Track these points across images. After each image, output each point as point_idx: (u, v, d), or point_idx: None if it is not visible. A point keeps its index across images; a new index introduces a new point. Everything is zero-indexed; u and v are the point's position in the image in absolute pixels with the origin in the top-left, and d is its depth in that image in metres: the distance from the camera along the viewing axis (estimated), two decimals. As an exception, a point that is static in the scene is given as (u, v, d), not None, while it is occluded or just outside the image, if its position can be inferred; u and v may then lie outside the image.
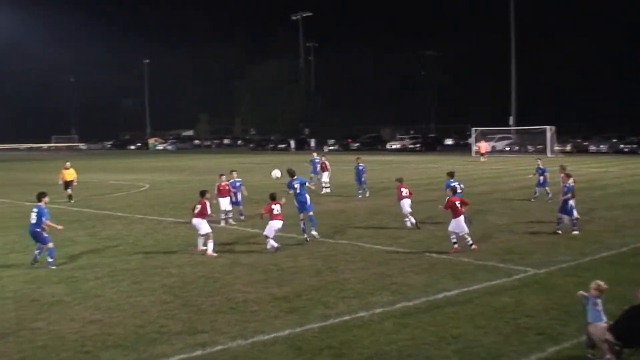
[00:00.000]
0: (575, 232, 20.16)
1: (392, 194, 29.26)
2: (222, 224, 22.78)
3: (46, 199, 17.64)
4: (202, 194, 18.77)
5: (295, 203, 20.49)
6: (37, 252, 16.87)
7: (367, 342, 10.84)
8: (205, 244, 17.96)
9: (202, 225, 18.02)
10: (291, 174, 20.99)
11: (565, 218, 20.53)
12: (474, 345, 10.68)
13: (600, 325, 9.83)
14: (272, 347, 10.73)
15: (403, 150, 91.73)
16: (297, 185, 20.40)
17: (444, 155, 79.85)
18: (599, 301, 10.02)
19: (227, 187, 23.60)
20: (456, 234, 17.87)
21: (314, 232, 20.10)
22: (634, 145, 74.74)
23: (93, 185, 41.44)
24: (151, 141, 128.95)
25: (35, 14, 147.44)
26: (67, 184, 31.93)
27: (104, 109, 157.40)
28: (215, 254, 17.64)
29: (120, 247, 19.36)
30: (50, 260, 16.67)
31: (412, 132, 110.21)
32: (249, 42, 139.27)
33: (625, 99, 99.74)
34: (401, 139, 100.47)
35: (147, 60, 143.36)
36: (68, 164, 32.79)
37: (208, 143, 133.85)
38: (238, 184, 24.41)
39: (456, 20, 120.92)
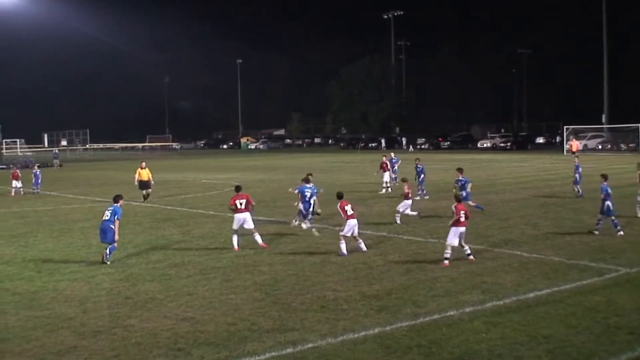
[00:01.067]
0: (620, 234, 19.60)
1: (477, 193, 29.02)
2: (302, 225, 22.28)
3: (121, 202, 18.60)
4: (238, 188, 19.45)
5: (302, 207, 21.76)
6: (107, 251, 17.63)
7: (457, 341, 10.82)
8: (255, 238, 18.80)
9: (250, 220, 18.85)
10: (307, 180, 22.09)
11: (604, 218, 20.06)
12: (565, 345, 10.54)
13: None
14: (362, 345, 10.81)
15: (493, 148, 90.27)
16: (307, 193, 21.57)
17: (535, 154, 78.17)
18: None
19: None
20: (452, 246, 16.59)
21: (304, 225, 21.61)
22: None
23: (186, 184, 42.49)
24: (243, 140, 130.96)
25: (129, 16, 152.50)
26: (142, 184, 32.16)
27: (197, 108, 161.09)
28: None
29: (212, 246, 19.80)
30: (109, 255, 17.45)
31: (502, 130, 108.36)
32: (340, 41, 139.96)
33: None
34: (492, 138, 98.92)
35: (240, 61, 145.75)
36: (143, 163, 32.94)
37: (299, 142, 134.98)
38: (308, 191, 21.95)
39: (548, 16, 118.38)
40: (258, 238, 18.84)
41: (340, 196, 18.39)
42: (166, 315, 12.71)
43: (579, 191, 29.29)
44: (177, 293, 14.30)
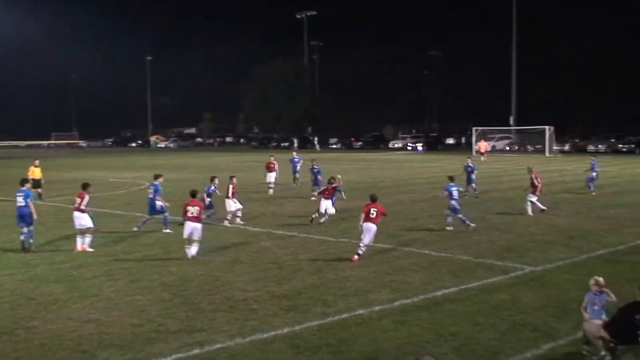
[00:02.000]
0: (472, 225, 20.93)
1: (388, 193, 29.38)
2: (226, 223, 22.74)
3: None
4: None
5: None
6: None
7: (366, 340, 10.86)
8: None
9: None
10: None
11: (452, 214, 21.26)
12: (471, 342, 10.73)
13: (595, 322, 9.90)
14: (271, 345, 10.74)
15: (405, 149, 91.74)
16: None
17: (445, 154, 79.91)
18: (597, 299, 10.10)
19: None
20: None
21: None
22: (632, 145, 75.43)
23: (93, 182, 41.09)
24: (153, 139, 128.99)
25: (37, 13, 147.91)
26: (36, 183, 30.94)
27: (105, 106, 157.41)
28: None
29: (119, 246, 19.33)
30: (32, 241, 18.55)
31: (414, 130, 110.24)
32: (253, 41, 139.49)
33: (624, 99, 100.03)
34: (403, 138, 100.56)
35: (150, 58, 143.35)
36: (37, 162, 32.64)
37: (210, 141, 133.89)
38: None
39: (459, 20, 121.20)
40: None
41: (193, 194, 18.20)
42: (70, 316, 12.37)
43: (474, 191, 30.14)
44: (81, 294, 13.89)
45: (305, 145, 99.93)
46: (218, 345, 10.68)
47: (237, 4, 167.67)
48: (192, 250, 17.22)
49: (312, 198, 29.57)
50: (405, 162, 60.79)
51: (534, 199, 24.62)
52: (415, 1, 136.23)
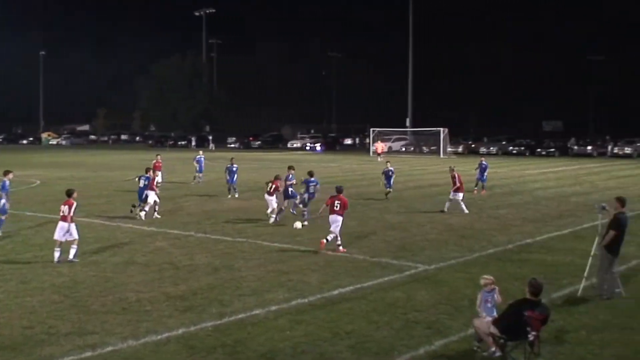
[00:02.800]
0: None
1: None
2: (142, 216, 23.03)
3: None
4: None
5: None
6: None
7: (262, 340, 10.85)
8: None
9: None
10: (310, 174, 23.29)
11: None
12: (367, 340, 10.89)
13: (485, 319, 10.20)
14: (165, 346, 10.59)
15: (304, 149, 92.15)
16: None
17: (343, 154, 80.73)
18: (489, 297, 10.42)
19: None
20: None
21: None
22: (522, 148, 78.45)
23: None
24: (44, 136, 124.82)
25: None
26: None
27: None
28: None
29: (9, 246, 18.63)
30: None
31: (312, 131, 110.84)
32: (152, 37, 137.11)
33: (518, 102, 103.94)
34: (302, 138, 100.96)
35: (43, 52, 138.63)
36: None
37: (105, 139, 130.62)
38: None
39: (359, 21, 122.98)
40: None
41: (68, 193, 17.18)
42: (-46, 319, 11.83)
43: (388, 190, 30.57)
44: (-33, 297, 13.30)
45: (202, 144, 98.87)
46: (110, 348, 10.46)
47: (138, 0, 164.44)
48: (72, 251, 16.49)
49: (229, 196, 29.98)
50: (304, 162, 60.95)
51: (460, 197, 25.45)
52: (315, 1, 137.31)
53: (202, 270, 15.65)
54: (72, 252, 16.55)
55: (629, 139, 73.92)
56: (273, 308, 12.55)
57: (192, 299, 13.18)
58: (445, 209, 25.29)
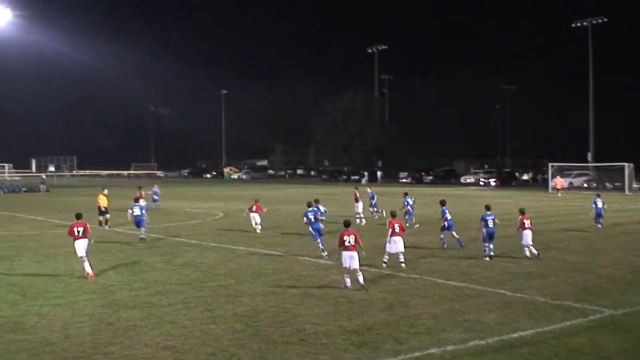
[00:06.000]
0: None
1: (460, 229, 28.90)
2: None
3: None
4: (79, 216, 19.96)
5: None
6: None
7: (439, 380, 10.69)
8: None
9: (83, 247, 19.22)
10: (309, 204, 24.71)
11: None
12: (549, 387, 10.43)
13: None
14: (343, 380, 10.67)
15: (477, 184, 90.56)
16: (311, 216, 23.61)
17: (519, 190, 78.47)
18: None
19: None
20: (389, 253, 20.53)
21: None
22: None
23: (170, 212, 42.27)
24: (226, 170, 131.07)
25: (117, 43, 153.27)
26: (102, 210, 33.05)
27: (182, 138, 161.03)
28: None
29: (194, 275, 19.62)
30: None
31: (486, 166, 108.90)
32: (325, 74, 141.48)
33: None
34: (475, 173, 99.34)
35: (225, 91, 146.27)
36: (105, 190, 34.24)
37: (282, 173, 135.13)
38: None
39: (533, 53, 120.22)
40: (86, 265, 19.03)
41: (346, 224, 18.46)
42: (147, 343, 12.57)
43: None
44: (158, 321, 14.12)
45: (374, 179, 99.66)
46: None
47: (311, 39, 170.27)
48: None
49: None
50: (478, 198, 59.94)
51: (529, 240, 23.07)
52: (487, 35, 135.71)
53: (377, 306, 15.67)
54: (360, 278, 17.44)
55: None
56: (449, 348, 12.31)
57: (367, 334, 13.22)
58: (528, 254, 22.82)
